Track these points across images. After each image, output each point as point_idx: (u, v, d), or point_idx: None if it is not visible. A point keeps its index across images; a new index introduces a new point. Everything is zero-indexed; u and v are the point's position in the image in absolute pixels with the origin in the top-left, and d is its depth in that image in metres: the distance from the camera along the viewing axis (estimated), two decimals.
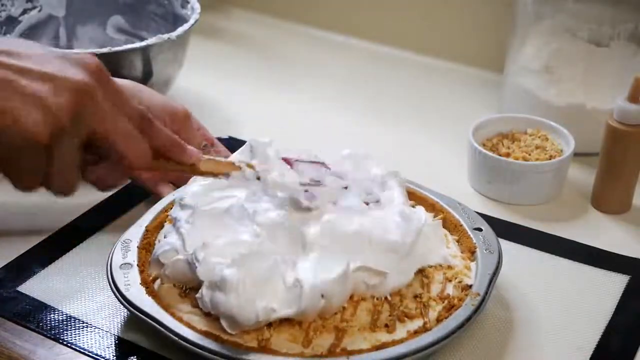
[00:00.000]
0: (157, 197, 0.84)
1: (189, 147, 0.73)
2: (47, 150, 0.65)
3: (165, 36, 0.98)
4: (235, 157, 0.78)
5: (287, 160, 0.77)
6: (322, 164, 0.79)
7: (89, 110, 0.65)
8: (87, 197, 0.88)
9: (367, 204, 0.77)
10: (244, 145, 0.79)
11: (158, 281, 0.73)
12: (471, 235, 0.80)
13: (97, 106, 0.66)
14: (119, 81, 0.84)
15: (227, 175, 0.74)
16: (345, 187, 0.77)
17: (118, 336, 0.73)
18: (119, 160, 0.68)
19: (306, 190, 0.75)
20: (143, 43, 0.97)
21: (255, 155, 0.77)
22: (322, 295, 0.68)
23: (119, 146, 0.67)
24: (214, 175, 0.75)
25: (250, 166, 0.75)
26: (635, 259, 0.85)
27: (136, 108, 0.69)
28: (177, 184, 0.86)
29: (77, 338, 0.73)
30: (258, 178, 0.75)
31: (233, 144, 0.95)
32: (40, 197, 0.88)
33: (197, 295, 0.70)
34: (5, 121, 0.63)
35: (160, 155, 0.71)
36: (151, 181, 0.87)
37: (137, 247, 0.76)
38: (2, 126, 0.63)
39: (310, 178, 0.76)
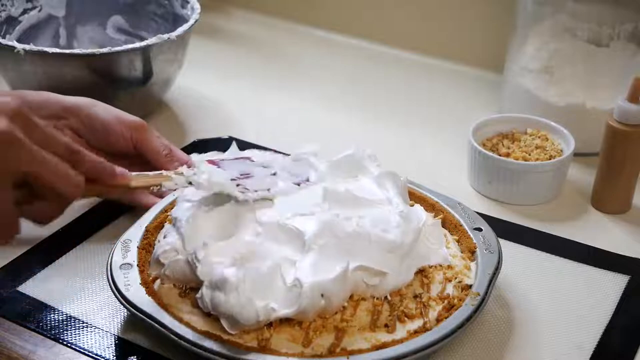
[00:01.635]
0: (143, 209, 0.83)
1: (117, 168, 0.73)
2: None
3: (165, 36, 0.98)
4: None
5: (212, 162, 0.79)
6: (247, 158, 0.82)
7: (13, 155, 0.65)
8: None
9: (298, 184, 0.79)
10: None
11: (158, 281, 0.73)
12: (471, 235, 0.80)
13: (21, 149, 0.65)
14: (71, 99, 0.85)
15: (159, 186, 0.76)
16: (274, 174, 0.80)
17: (118, 336, 0.73)
18: (54, 196, 0.68)
19: (238, 184, 0.76)
20: (143, 43, 0.97)
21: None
22: (322, 295, 0.68)
23: (52, 183, 0.67)
24: (147, 188, 0.76)
25: (179, 174, 0.77)
26: (635, 259, 0.85)
27: (62, 142, 0.68)
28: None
29: (77, 338, 0.73)
30: (190, 183, 0.76)
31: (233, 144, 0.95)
32: None
33: (197, 295, 0.70)
34: None
35: (91, 181, 0.71)
36: (131, 196, 0.86)
37: (137, 247, 0.77)
38: None
39: (239, 172, 0.79)
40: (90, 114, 0.85)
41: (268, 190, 0.77)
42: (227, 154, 0.83)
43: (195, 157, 0.82)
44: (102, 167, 0.72)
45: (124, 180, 0.73)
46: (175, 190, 0.79)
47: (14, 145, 0.65)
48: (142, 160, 0.86)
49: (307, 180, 0.80)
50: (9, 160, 0.65)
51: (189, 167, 0.79)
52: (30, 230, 0.84)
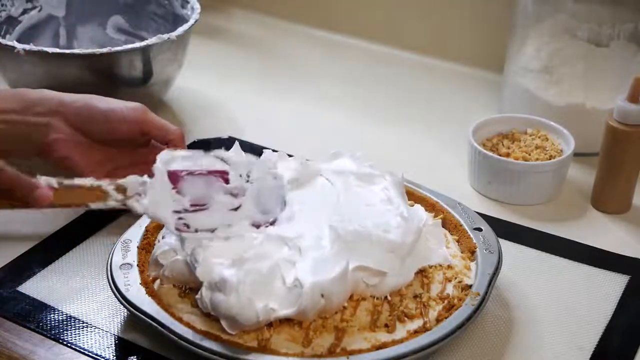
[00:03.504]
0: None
1: (37, 183, 0.69)
2: None
3: (165, 36, 0.98)
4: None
5: (175, 175, 0.72)
6: (222, 174, 0.73)
7: None
8: None
9: (257, 226, 0.74)
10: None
11: (158, 281, 0.73)
12: (471, 235, 0.80)
13: None
14: (68, 94, 0.84)
15: (86, 205, 0.70)
16: (236, 208, 0.73)
17: (118, 336, 0.73)
18: None
19: (180, 218, 0.71)
20: (143, 43, 0.97)
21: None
22: (322, 295, 0.68)
23: None
24: (73, 206, 0.71)
25: (120, 189, 0.71)
26: (635, 259, 0.85)
27: None
28: None
29: (77, 338, 0.73)
30: (124, 205, 0.71)
31: (233, 143, 0.94)
32: None
33: (197, 295, 0.70)
34: None
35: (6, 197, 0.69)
36: None
37: (137, 247, 0.77)
38: None
39: (192, 199, 0.72)
40: (88, 104, 0.85)
41: (212, 231, 0.72)
42: (205, 162, 0.74)
43: (164, 155, 0.73)
44: (18, 181, 0.68)
45: (42, 202, 0.68)
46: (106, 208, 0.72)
47: None
48: (148, 144, 0.87)
49: (273, 222, 0.74)
50: None
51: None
52: (30, 230, 0.84)
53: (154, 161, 0.80)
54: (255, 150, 0.86)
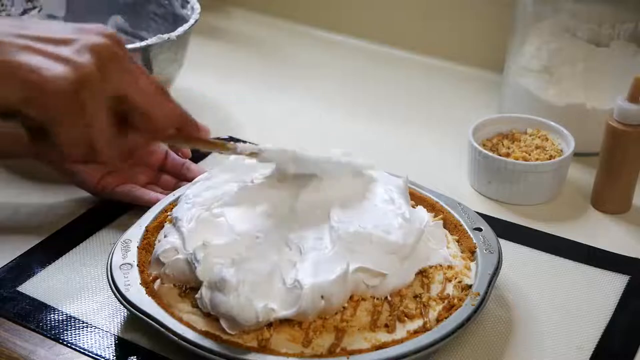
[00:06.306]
0: (144, 208, 0.83)
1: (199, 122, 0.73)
2: (78, 104, 0.63)
3: (165, 36, 0.98)
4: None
5: None
6: None
7: (113, 68, 0.64)
8: (87, 197, 0.89)
9: None
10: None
11: (158, 281, 0.73)
12: (471, 235, 0.80)
13: (120, 66, 0.65)
14: None
15: (228, 152, 0.75)
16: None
17: (118, 336, 0.73)
18: (145, 122, 0.67)
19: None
20: (143, 43, 0.97)
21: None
22: (322, 297, 0.68)
23: (145, 106, 0.66)
24: (220, 150, 0.76)
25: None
26: (635, 259, 0.85)
27: (153, 77, 0.68)
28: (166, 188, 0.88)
29: (77, 338, 0.73)
30: (252, 154, 0.75)
31: None
32: (40, 198, 0.89)
33: (197, 295, 0.70)
34: (31, 77, 0.62)
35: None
36: (131, 193, 0.87)
37: (137, 247, 0.76)
38: (29, 81, 0.62)
39: None
40: None
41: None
42: None
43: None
44: (187, 115, 0.70)
45: (205, 134, 0.72)
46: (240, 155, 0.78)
47: (113, 59, 0.64)
48: None
49: None
50: (108, 70, 0.64)
51: None
52: (30, 230, 0.85)
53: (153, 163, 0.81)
54: None
